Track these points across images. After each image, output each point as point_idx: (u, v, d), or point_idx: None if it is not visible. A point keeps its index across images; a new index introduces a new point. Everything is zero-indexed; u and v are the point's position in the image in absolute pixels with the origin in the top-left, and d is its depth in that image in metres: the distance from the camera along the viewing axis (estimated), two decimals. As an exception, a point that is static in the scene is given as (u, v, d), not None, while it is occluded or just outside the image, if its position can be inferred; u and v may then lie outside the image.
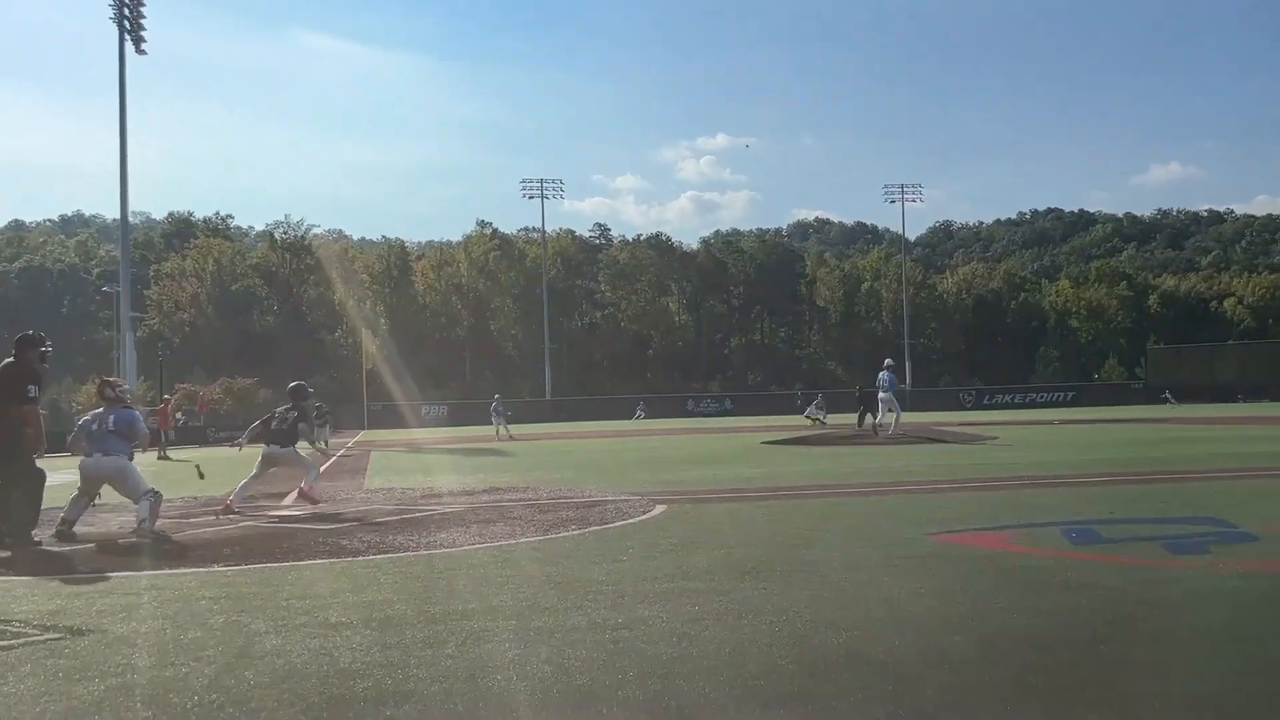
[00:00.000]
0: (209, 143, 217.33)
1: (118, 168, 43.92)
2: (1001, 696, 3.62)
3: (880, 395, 23.92)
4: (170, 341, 74.82)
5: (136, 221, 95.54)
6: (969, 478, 13.14)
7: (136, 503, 9.40)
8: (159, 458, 26.59)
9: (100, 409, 9.88)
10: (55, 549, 8.44)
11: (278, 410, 12.54)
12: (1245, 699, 3.53)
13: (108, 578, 6.87)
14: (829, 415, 40.06)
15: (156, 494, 9.48)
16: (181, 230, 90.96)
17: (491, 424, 37.28)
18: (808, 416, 40.09)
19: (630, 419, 60.20)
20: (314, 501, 11.77)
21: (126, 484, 9.54)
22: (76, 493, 9.60)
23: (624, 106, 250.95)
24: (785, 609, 5.20)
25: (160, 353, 62.87)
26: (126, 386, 10.17)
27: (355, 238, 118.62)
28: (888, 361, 24.45)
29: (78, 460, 9.76)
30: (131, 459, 9.75)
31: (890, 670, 4.01)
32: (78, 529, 9.32)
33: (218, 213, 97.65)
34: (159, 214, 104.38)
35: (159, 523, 9.40)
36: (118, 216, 48.30)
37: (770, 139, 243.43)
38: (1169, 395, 57.91)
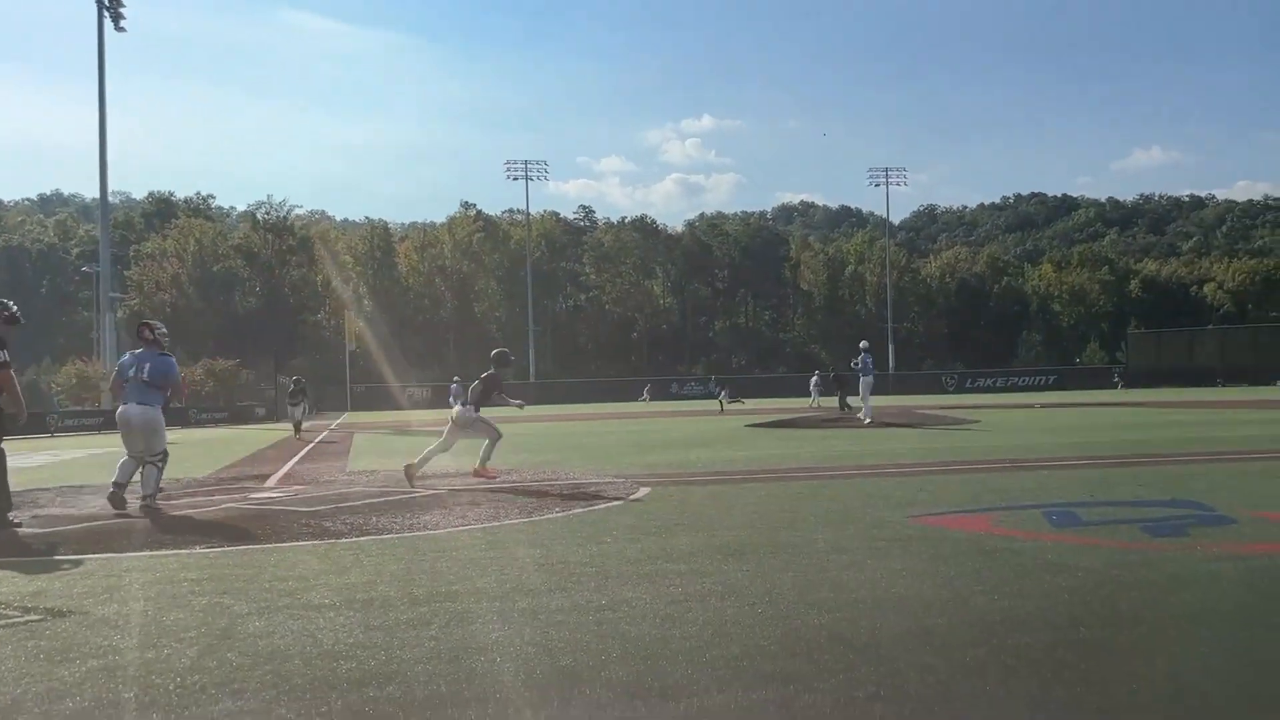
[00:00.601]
0: (190, 122, 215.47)
1: (97, 146, 43.46)
2: (982, 677, 3.66)
3: (863, 379, 23.28)
4: (151, 322, 74.23)
5: (116, 201, 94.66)
6: (951, 460, 13.22)
7: (143, 466, 9.44)
8: None
9: (139, 350, 9.73)
10: (35, 530, 8.38)
11: (483, 375, 12.28)
12: (1220, 679, 3.58)
13: (88, 559, 6.83)
14: (740, 402, 42.19)
15: (165, 458, 9.55)
16: (162, 210, 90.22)
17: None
18: (720, 400, 40.31)
19: (637, 400, 60.60)
20: (490, 478, 11.63)
21: (150, 439, 9.52)
22: (125, 457, 9.61)
23: (609, 88, 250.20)
24: (768, 590, 5.23)
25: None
26: (164, 330, 10.01)
27: (338, 219, 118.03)
28: (864, 344, 23.60)
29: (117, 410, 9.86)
30: (165, 408, 9.76)
31: (872, 651, 4.04)
32: (59, 511, 9.29)
33: (199, 193, 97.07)
34: (139, 194, 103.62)
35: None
36: (97, 196, 47.83)
37: (755, 122, 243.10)
38: (1119, 379, 60.24)
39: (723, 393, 40.98)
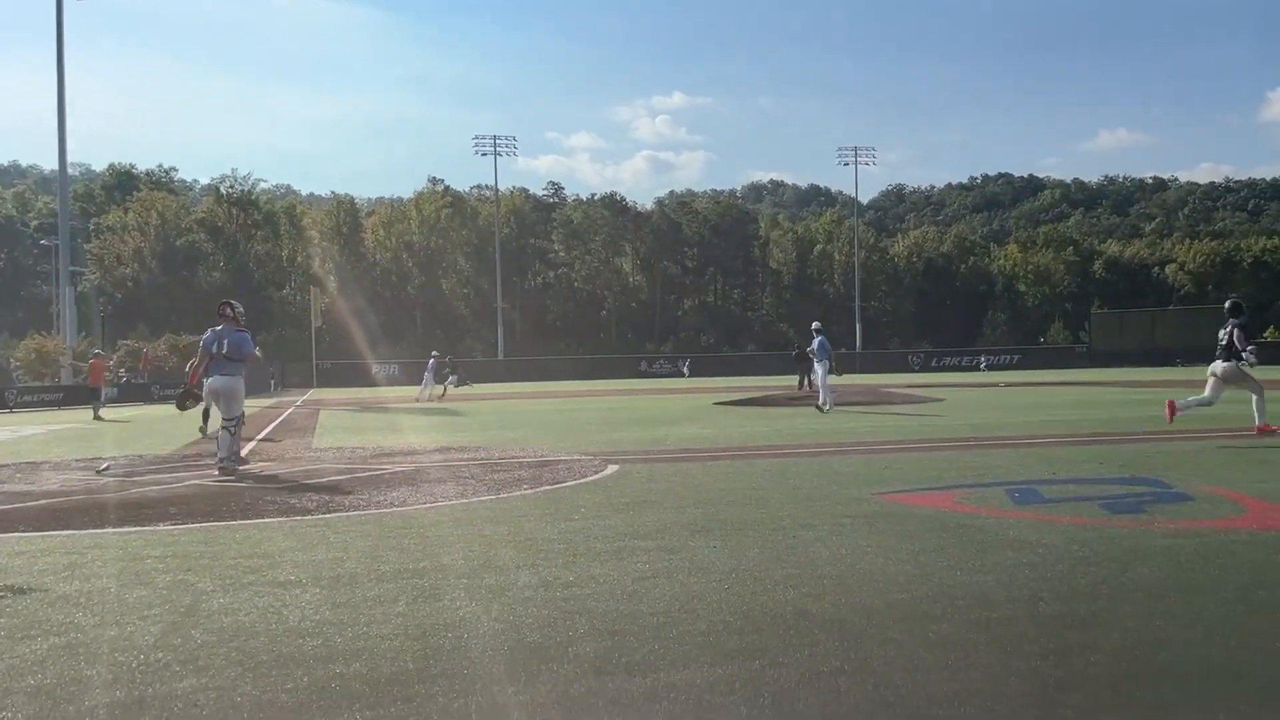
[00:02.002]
0: (152, 94, 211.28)
1: (55, 117, 42.58)
2: (945, 650, 3.71)
3: (817, 364, 20.78)
4: (112, 296, 73.11)
5: (76, 173, 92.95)
6: (916, 439, 13.36)
7: (219, 431, 10.66)
8: (94, 418, 25.11)
9: (220, 327, 10.90)
10: (-6, 507, 8.26)
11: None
12: (1174, 650, 3.66)
13: (50, 536, 6.75)
14: (469, 385, 40.36)
15: (239, 423, 10.64)
16: (123, 183, 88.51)
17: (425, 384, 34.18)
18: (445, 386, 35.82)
19: (679, 377, 60.83)
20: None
21: (229, 404, 10.74)
22: (219, 427, 10.79)
23: (580, 64, 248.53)
24: (735, 567, 5.27)
25: (101, 308, 61.40)
26: (241, 309, 11.31)
27: (304, 193, 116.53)
28: (816, 325, 21.40)
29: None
30: (243, 376, 10.98)
31: (837, 626, 4.08)
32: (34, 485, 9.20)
33: (161, 165, 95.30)
34: (99, 165, 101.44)
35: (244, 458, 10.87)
36: (56, 167, 46.89)
37: (726, 99, 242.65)
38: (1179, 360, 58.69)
39: (452, 377, 35.96)
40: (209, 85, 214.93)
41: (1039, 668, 3.49)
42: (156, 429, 20.16)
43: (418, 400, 31.93)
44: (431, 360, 34.99)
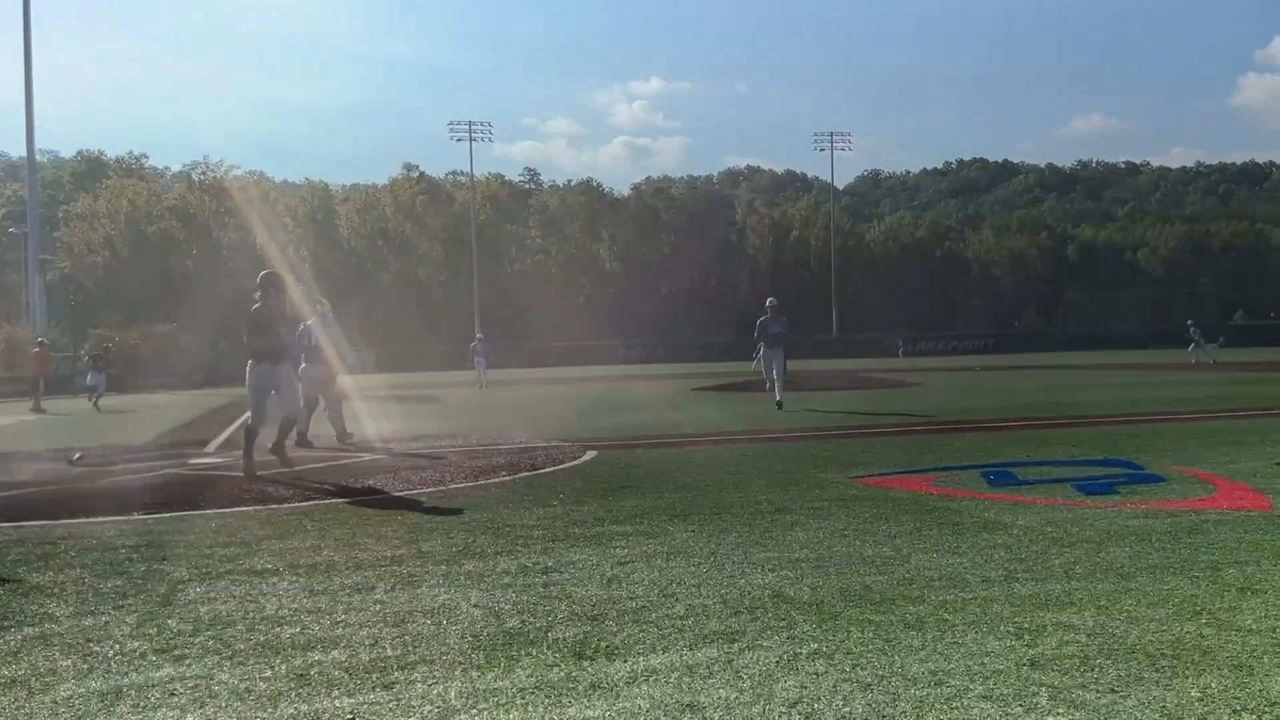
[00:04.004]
0: (121, 78, 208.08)
1: (23, 102, 41.94)
2: (921, 632, 3.75)
3: (766, 350, 16.86)
4: (83, 285, 72.18)
5: (44, 160, 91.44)
6: (892, 423, 13.44)
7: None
8: (32, 410, 23.68)
9: (310, 321, 12.16)
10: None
11: None
12: (1146, 628, 3.71)
13: (22, 527, 6.68)
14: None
15: (297, 412, 10.84)
16: (93, 169, 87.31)
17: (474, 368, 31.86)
18: None
19: (751, 364, 60.56)
20: None
21: (326, 390, 12.12)
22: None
23: (557, 48, 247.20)
24: (713, 551, 5.29)
25: (72, 297, 60.62)
26: (328, 305, 12.59)
27: (277, 179, 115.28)
28: (770, 301, 16.75)
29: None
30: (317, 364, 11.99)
31: (814, 609, 4.11)
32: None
33: (131, 152, 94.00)
34: (68, 152, 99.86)
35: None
36: (24, 154, 46.19)
37: (704, 84, 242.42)
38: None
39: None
40: (179, 70, 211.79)
41: (1014, 647, 3.53)
42: (130, 419, 19.98)
43: (481, 387, 29.59)
44: (477, 343, 33.01)
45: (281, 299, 10.34)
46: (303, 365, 11.64)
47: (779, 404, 15.70)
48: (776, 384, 16.14)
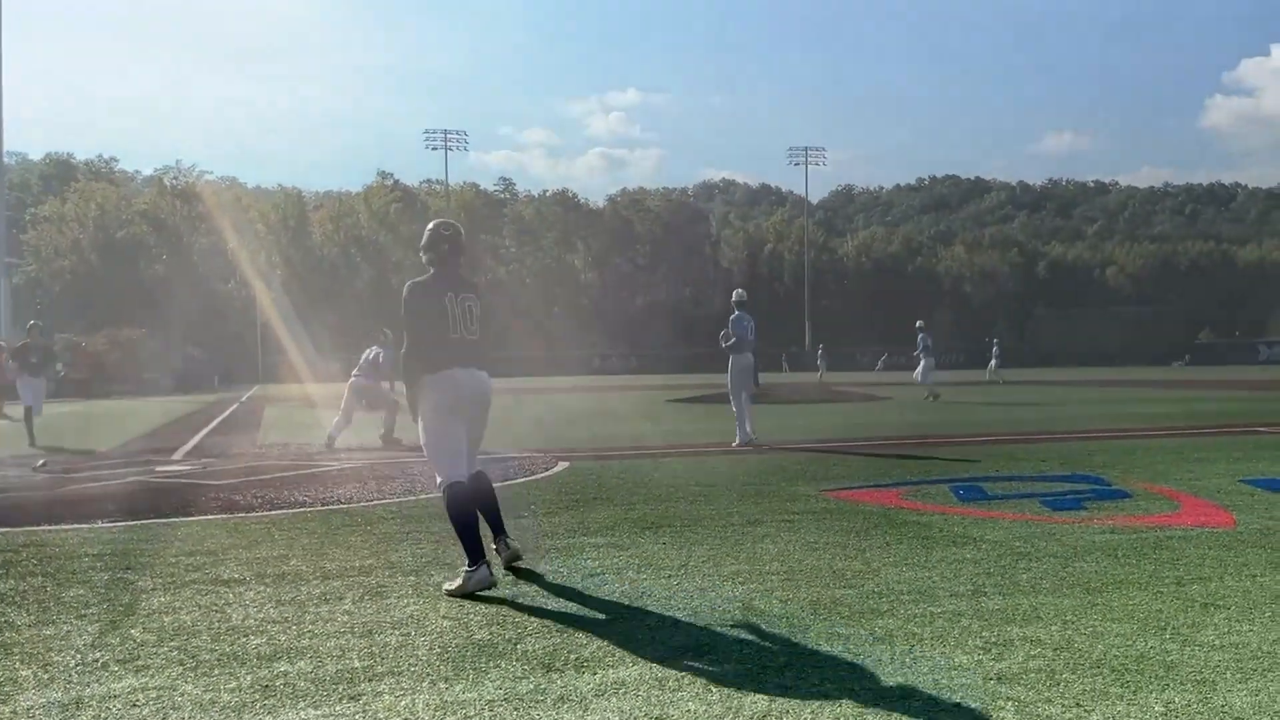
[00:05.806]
0: (91, 80, 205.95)
1: (-10, 103, 41.38)
2: (890, 645, 3.76)
3: (734, 356, 12.76)
4: (50, 289, 71.24)
5: (11, 161, 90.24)
6: (863, 437, 13.50)
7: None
8: None
9: (376, 348, 13.88)
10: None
11: None
12: (1112, 642, 3.74)
13: (-18, 534, 6.56)
14: None
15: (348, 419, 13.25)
16: (61, 172, 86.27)
17: None
18: None
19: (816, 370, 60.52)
20: None
21: (379, 403, 13.79)
22: (339, 415, 13.25)
23: (534, 58, 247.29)
24: (683, 563, 5.29)
25: (38, 300, 59.83)
26: (390, 334, 13.57)
27: (250, 186, 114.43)
28: (738, 293, 13.25)
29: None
30: (392, 386, 13.64)
31: (784, 621, 4.12)
32: None
33: (100, 155, 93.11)
34: (35, 154, 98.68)
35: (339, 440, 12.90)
36: (-9, 155, 45.54)
37: (680, 97, 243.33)
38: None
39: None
40: (151, 73, 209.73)
41: (981, 661, 3.56)
42: (95, 425, 19.71)
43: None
44: None
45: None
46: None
47: (752, 439, 12.26)
48: (747, 414, 12.45)
